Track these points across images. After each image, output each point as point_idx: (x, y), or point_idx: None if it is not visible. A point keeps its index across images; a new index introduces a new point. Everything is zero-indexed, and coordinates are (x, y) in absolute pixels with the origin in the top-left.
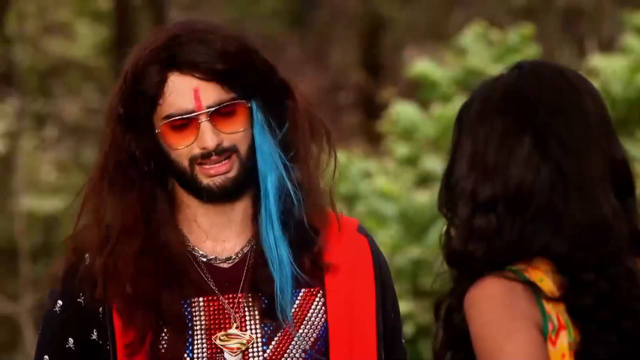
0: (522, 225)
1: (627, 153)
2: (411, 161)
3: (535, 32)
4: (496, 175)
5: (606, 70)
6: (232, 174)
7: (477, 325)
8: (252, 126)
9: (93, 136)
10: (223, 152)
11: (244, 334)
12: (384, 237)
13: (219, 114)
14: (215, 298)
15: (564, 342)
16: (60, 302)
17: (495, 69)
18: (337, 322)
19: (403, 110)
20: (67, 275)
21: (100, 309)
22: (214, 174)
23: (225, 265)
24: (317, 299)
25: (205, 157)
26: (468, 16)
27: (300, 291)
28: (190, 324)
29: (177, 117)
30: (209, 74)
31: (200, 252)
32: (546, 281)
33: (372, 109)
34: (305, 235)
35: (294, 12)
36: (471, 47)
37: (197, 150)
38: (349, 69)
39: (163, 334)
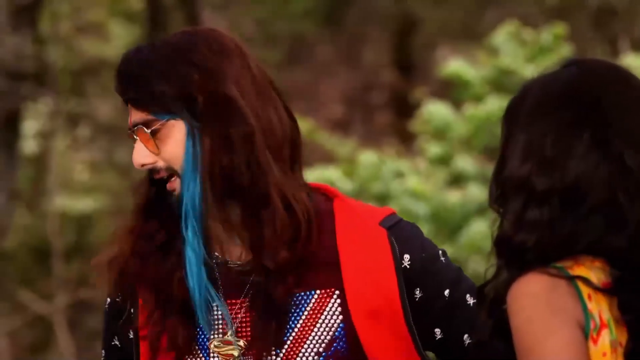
0: (576, 220)
1: None
2: (443, 161)
3: (568, 32)
4: (553, 168)
5: (639, 69)
6: (177, 192)
7: (518, 321)
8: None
9: (126, 136)
10: (157, 171)
11: (238, 340)
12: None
13: (144, 135)
14: (223, 302)
15: (605, 341)
16: (108, 300)
17: (528, 69)
18: (360, 320)
19: (435, 110)
20: (115, 275)
21: (132, 309)
22: (168, 190)
23: (237, 269)
24: (333, 300)
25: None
26: (501, 16)
27: (314, 292)
28: (212, 324)
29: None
30: (127, 100)
31: (216, 253)
32: (592, 277)
33: (404, 109)
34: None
35: (326, 11)
36: (504, 46)
37: None
38: (381, 68)
39: (170, 320)
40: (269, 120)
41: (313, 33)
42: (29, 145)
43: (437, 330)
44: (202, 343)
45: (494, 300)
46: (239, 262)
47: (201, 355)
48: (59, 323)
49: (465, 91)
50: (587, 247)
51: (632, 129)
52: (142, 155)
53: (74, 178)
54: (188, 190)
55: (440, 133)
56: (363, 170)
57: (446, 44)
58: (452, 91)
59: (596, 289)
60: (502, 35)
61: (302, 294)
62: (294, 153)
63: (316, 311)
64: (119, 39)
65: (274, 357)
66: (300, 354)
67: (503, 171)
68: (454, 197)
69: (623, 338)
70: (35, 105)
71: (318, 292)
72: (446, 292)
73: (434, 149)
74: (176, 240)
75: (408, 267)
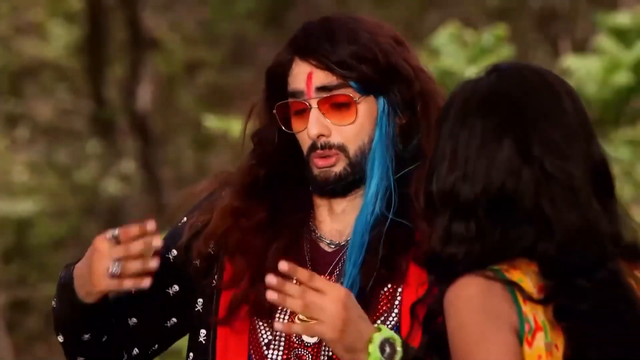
0: (504, 229)
1: (606, 154)
2: None
3: (509, 33)
4: (477, 178)
5: (580, 70)
6: (336, 168)
7: (453, 326)
8: (376, 126)
9: (66, 137)
10: (328, 147)
11: None
12: None
13: (330, 103)
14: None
15: (540, 344)
16: (184, 219)
17: (470, 70)
18: (407, 319)
19: None
20: (204, 199)
21: (213, 246)
22: (321, 166)
23: (328, 248)
24: (396, 296)
25: (314, 148)
26: (442, 16)
27: (385, 286)
28: None
29: (291, 99)
30: (323, 62)
31: (314, 230)
32: (525, 282)
33: None
34: (406, 238)
35: (269, 12)
36: (445, 47)
37: (308, 141)
38: None
39: (260, 285)
40: None
41: (256, 34)
42: None
43: None
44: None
45: (427, 316)
46: (333, 241)
47: (270, 322)
48: None
49: None
50: (521, 252)
51: (551, 136)
52: (321, 122)
53: (13, 179)
54: (377, 175)
55: None
56: None
57: None
58: None
59: (529, 299)
60: (444, 37)
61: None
62: None
63: (384, 301)
64: (58, 40)
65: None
66: None
67: (431, 184)
68: None
69: (558, 340)
70: None
71: (389, 285)
72: None
73: None
74: (273, 217)
75: None
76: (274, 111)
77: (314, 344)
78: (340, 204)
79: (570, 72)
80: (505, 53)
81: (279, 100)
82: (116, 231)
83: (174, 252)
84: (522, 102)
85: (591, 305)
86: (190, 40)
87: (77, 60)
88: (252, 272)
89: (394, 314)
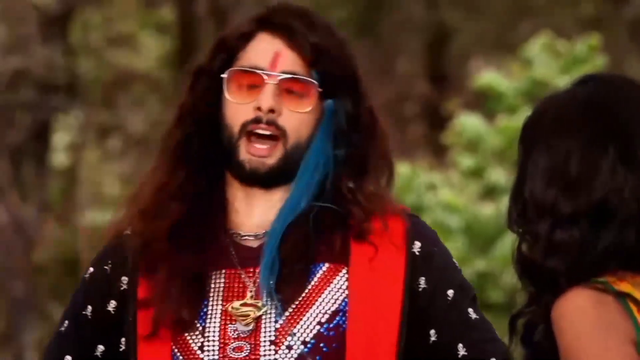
0: (608, 237)
1: None
2: (476, 173)
3: (602, 43)
4: (580, 188)
5: None
6: (270, 160)
7: (568, 339)
8: (320, 123)
9: (157, 148)
10: (273, 125)
11: (258, 302)
12: (449, 250)
13: (290, 87)
14: (235, 271)
15: None
16: (90, 269)
17: (562, 80)
18: (358, 301)
19: (468, 122)
20: (106, 245)
21: (124, 278)
22: (253, 154)
23: (252, 243)
24: (341, 275)
25: (257, 121)
26: (535, 27)
27: (323, 265)
28: (208, 293)
29: (248, 69)
30: (298, 43)
31: (233, 230)
32: (637, 293)
33: (437, 120)
34: (337, 219)
35: (360, 21)
36: (538, 58)
37: (251, 114)
38: (415, 79)
39: (180, 295)
40: None
41: (348, 42)
42: (59, 157)
43: (432, 332)
44: (204, 313)
45: (529, 326)
46: (253, 234)
47: (198, 324)
48: None
49: (498, 103)
50: (624, 262)
51: None
52: (276, 100)
53: (105, 191)
54: (313, 171)
55: (473, 145)
56: (396, 182)
57: (480, 55)
58: (486, 103)
59: None
60: (536, 47)
61: (312, 265)
62: None
63: (323, 282)
64: (149, 51)
65: (274, 324)
66: (302, 322)
67: (522, 193)
68: (487, 209)
69: None
70: (65, 117)
71: (327, 265)
72: (450, 292)
73: (467, 161)
74: (190, 220)
75: (417, 253)
76: (224, 76)
77: (250, 332)
78: (260, 198)
79: None
80: (598, 63)
81: (221, 72)
82: None
83: (113, 302)
84: (623, 108)
85: None
86: None
87: (169, 71)
88: (173, 279)
89: (342, 296)
